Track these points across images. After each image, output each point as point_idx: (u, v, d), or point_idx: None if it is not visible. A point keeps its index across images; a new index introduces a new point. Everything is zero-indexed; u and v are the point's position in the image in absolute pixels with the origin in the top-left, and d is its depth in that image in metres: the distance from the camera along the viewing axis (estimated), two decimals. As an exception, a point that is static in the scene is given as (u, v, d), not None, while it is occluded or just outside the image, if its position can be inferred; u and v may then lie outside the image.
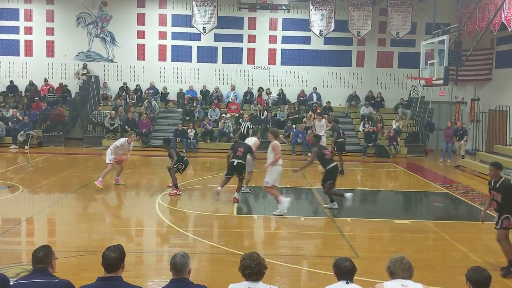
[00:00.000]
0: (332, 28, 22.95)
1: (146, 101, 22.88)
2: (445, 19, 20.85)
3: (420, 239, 9.54)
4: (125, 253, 4.20)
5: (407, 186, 15.77)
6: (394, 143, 21.02)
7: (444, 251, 8.77)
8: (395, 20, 23.08)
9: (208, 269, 7.58)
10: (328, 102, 23.69)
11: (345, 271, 4.42)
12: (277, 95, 23.98)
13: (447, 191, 14.33)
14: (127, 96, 23.52)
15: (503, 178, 8.00)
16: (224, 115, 22.12)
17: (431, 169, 18.67)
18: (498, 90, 21.72)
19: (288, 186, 13.85)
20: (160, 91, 24.02)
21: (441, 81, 15.74)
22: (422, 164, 19.81)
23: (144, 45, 24.24)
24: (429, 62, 16.85)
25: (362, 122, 22.57)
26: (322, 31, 23.04)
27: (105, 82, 24.10)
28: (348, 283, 4.39)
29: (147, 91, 23.71)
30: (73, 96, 23.30)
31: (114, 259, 4.08)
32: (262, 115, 22.59)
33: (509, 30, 18.14)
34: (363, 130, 22.15)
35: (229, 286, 4.36)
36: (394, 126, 21.95)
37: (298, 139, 21.16)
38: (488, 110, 21.56)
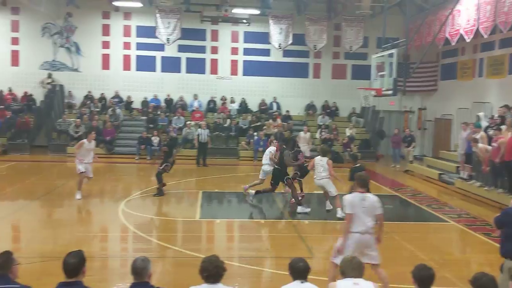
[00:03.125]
0: (290, 41, 23.24)
1: (110, 109, 22.49)
2: (394, 34, 21.42)
3: (372, 240, 9.70)
4: (86, 258, 4.11)
5: (360, 189, 16.05)
6: (348, 149, 21.41)
7: (394, 251, 8.95)
8: (349, 35, 23.56)
9: (171, 273, 7.50)
10: (287, 111, 23.93)
11: (299, 271, 4.45)
12: (239, 104, 24.05)
13: (397, 194, 14.69)
14: (92, 104, 23.06)
15: None
16: (188, 122, 21.98)
17: (382, 173, 19.08)
18: (443, 100, 22.48)
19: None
20: (124, 100, 23.67)
21: (391, 92, 16.15)
22: (374, 168, 20.23)
23: (108, 55, 23.84)
24: (379, 74, 17.26)
25: (319, 130, 22.89)
26: (281, 44, 23.30)
27: (70, 91, 23.54)
28: (303, 282, 4.43)
29: (111, 99, 23.31)
30: (38, 104, 22.66)
31: (73, 264, 4.00)
32: (225, 123, 22.60)
33: (453, 44, 18.85)
34: (320, 137, 22.46)
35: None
36: (348, 134, 22.37)
37: (260, 147, 21.24)
38: (434, 118, 22.26)
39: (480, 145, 13.21)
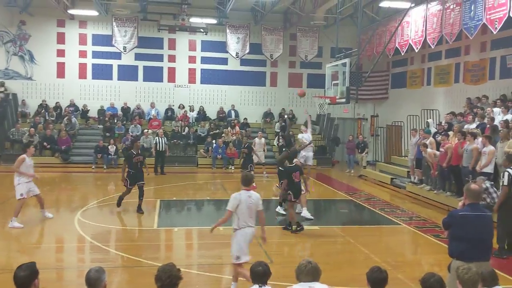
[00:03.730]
0: (248, 50, 23.39)
1: (66, 118, 21.87)
2: (347, 44, 21.89)
3: (329, 243, 9.85)
4: (38, 271, 3.96)
5: (316, 194, 16.21)
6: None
7: (350, 254, 9.12)
8: (304, 45, 23.96)
9: (129, 282, 7.34)
10: (245, 119, 24.02)
11: (258, 275, 4.51)
12: (198, 112, 23.93)
13: (351, 198, 14.97)
14: (47, 113, 22.36)
15: None
16: (146, 130, 21.67)
17: (337, 178, 19.42)
18: (394, 107, 23.17)
19: (208, 198, 13.80)
20: (80, 108, 23.09)
21: (344, 100, 16.46)
22: (330, 174, 20.56)
23: (64, 63, 23.21)
24: (333, 82, 17.57)
25: (277, 137, 23.06)
26: (238, 53, 23.40)
27: (24, 100, 22.74)
28: (261, 286, 4.47)
29: (67, 108, 22.68)
30: (-11, 113, 21.74)
31: (23, 277, 3.85)
32: (184, 131, 22.41)
33: (402, 54, 19.48)
34: (277, 144, 22.60)
35: None
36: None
37: (218, 155, 21.20)
38: (386, 125, 22.89)
39: (429, 150, 13.69)
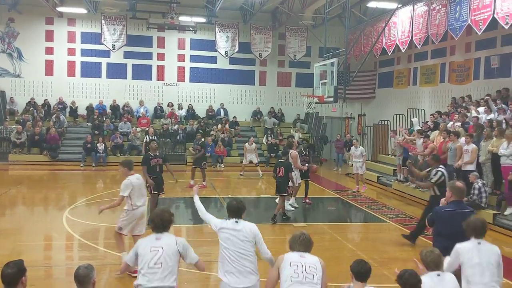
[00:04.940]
0: (237, 49, 23.37)
1: (54, 115, 21.67)
2: (335, 44, 22.03)
3: (317, 240, 9.78)
4: (26, 268, 3.93)
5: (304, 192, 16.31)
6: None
7: (337, 251, 9.17)
8: (293, 44, 24.01)
9: (118, 280, 7.30)
10: (235, 117, 24.01)
11: (231, 210, 5.09)
12: (187, 110, 23.85)
13: (339, 196, 15.06)
14: (35, 111, 22.13)
15: None
16: (134, 128, 21.54)
17: (325, 177, 19.50)
18: (380, 106, 23.32)
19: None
20: (69, 106, 22.88)
21: (332, 99, 16.55)
22: (318, 172, 20.59)
23: (52, 61, 22.99)
24: (321, 82, 17.65)
25: (266, 135, 23.11)
26: (227, 51, 23.37)
27: (12, 97, 22.48)
28: (237, 221, 5.02)
29: (55, 106, 22.47)
30: (-24, 111, 21.48)
31: (10, 275, 3.81)
32: (172, 129, 22.31)
33: (389, 54, 19.61)
34: (266, 142, 22.66)
35: (138, 241, 4.91)
36: (296, 137, 22.65)
37: (207, 153, 21.10)
38: (373, 124, 23.01)
39: (399, 137, 13.98)
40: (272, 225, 10.77)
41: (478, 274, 4.73)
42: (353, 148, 16.13)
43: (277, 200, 12.30)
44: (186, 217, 12.04)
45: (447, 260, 4.91)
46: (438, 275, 4.50)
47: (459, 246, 4.91)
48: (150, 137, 19.30)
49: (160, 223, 4.78)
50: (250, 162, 19.24)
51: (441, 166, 9.04)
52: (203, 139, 16.55)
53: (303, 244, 4.57)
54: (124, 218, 7.51)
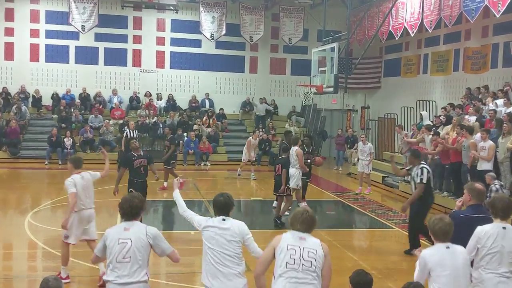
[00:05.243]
0: (224, 31, 23.31)
1: (15, 106, 21.46)
2: (336, 27, 22.06)
3: (313, 249, 9.91)
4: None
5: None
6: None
7: (337, 260, 9.16)
8: (287, 26, 24.00)
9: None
10: (221, 109, 23.98)
11: (217, 206, 5.13)
12: (166, 101, 23.78)
13: (339, 199, 15.12)
14: (-7, 100, 21.95)
15: None
16: (107, 121, 21.43)
17: (324, 177, 19.56)
18: (386, 98, 23.42)
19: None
20: (31, 95, 22.71)
21: (332, 89, 16.61)
22: (316, 172, 20.64)
23: (12, 43, 22.78)
24: (320, 69, 17.71)
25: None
26: (213, 34, 23.31)
27: (-35, 85, 22.30)
28: (224, 219, 5.03)
29: (16, 95, 22.28)
30: None
31: None
32: (151, 122, 22.20)
33: (396, 39, 19.68)
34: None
35: (106, 231, 4.90)
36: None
37: (190, 150, 21.11)
38: (378, 117, 23.11)
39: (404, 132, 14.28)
40: (265, 231, 10.76)
41: (496, 262, 4.81)
42: (360, 144, 16.23)
43: (274, 204, 12.35)
44: (164, 223, 12.01)
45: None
46: (448, 247, 4.55)
47: (481, 230, 4.95)
48: (131, 132, 18.41)
49: (129, 209, 4.83)
50: (249, 160, 18.85)
51: (422, 162, 9.18)
52: (172, 134, 16.54)
53: (305, 222, 4.56)
54: (69, 224, 7.55)
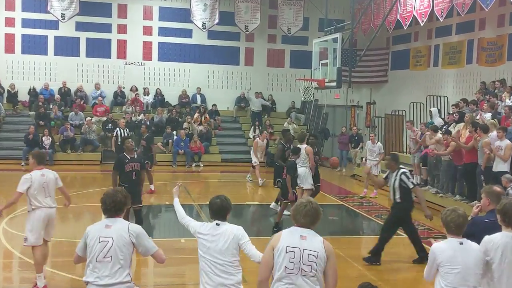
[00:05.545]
0: (217, 20, 23.28)
1: (-12, 102, 21.47)
2: (339, 15, 22.06)
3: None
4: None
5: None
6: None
7: (340, 270, 9.07)
8: (286, 15, 23.97)
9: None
10: (214, 105, 23.96)
11: (212, 209, 5.17)
12: (154, 96, 23.75)
13: (342, 203, 15.13)
14: (-36, 96, 21.92)
15: None
16: (89, 118, 21.39)
17: (326, 179, 19.49)
18: (394, 93, 23.45)
19: (167, 203, 13.72)
20: (6, 90, 22.66)
21: (334, 83, 16.61)
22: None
23: (-15, 33, 22.77)
24: (321, 62, 17.71)
25: (252, 127, 23.08)
26: (205, 23, 23.28)
27: None
28: (218, 224, 5.08)
29: (-11, 90, 22.28)
30: None
31: None
32: (137, 119, 22.14)
33: (405, 28, 19.70)
34: (253, 137, 22.58)
35: (87, 228, 4.98)
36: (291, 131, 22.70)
37: (180, 150, 21.07)
38: (384, 114, 23.15)
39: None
40: (261, 239, 10.75)
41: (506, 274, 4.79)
42: (369, 143, 16.26)
43: (271, 206, 12.36)
44: (152, 230, 12.00)
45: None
46: (461, 243, 4.59)
47: (489, 240, 4.87)
48: (122, 132, 18.02)
49: (111, 205, 4.89)
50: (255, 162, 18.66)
51: (401, 166, 9.26)
52: (148, 133, 16.60)
53: (308, 215, 4.51)
54: (27, 224, 7.62)
